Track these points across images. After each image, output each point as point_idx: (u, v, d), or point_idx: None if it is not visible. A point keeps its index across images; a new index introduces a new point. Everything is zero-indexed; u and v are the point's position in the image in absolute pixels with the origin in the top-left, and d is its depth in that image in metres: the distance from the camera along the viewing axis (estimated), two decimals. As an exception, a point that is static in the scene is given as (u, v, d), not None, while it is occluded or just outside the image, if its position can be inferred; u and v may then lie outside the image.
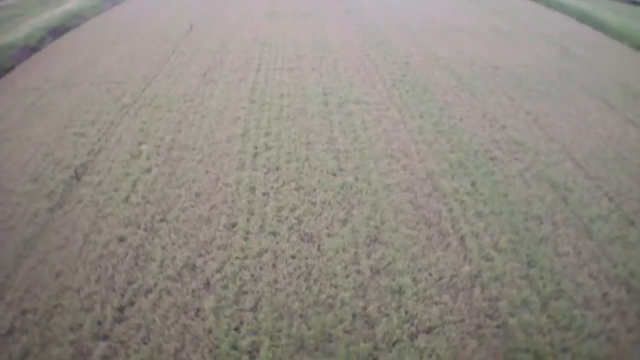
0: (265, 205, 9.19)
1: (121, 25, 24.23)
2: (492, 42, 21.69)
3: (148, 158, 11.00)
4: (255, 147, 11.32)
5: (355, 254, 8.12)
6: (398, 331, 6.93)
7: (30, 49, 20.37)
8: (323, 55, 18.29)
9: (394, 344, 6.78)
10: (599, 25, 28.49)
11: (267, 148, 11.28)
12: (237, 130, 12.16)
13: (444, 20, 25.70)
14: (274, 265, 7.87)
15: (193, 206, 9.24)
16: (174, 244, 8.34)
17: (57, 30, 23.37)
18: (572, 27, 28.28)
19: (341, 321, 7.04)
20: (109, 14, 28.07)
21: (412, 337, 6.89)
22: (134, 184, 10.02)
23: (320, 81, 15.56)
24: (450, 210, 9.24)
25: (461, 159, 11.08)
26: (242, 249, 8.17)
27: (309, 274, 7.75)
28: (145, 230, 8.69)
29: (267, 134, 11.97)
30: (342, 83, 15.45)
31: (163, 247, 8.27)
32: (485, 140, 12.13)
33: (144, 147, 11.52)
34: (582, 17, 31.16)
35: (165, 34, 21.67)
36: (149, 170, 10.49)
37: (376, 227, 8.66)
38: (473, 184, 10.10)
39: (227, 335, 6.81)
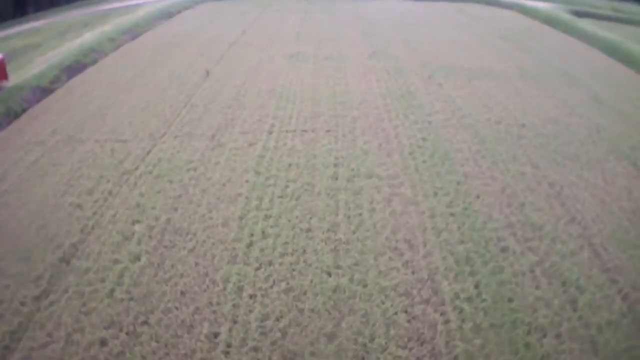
0: (250, 312, 9.18)
1: (137, 65, 24.83)
2: (519, 90, 21.57)
3: (139, 242, 11.13)
4: (252, 235, 11.34)
5: (340, 378, 8.05)
6: None
7: (42, 90, 20.99)
8: (341, 113, 18.33)
9: None
10: (629, 60, 28.10)
11: (264, 236, 11.29)
12: (236, 212, 12.21)
13: (471, 63, 25.63)
14: (253, 389, 7.86)
15: (177, 308, 9.30)
16: (154, 353, 8.39)
17: (73, 68, 24.08)
18: (601, 63, 28.02)
19: None
20: (127, 49, 28.84)
21: None
22: (121, 275, 10.13)
23: (333, 148, 15.56)
24: (447, 322, 9.10)
25: (469, 251, 10.94)
26: (222, 366, 8.17)
27: (288, 402, 7.71)
28: (127, 334, 8.78)
29: (266, 217, 11.99)
30: (357, 150, 15.42)
31: (143, 357, 8.31)
32: (500, 224, 11.98)
33: (137, 227, 11.67)
34: (611, 51, 30.77)
35: (180, 80, 22.11)
36: (138, 258, 10.60)
37: (364, 345, 8.57)
38: (477, 286, 9.95)
39: None
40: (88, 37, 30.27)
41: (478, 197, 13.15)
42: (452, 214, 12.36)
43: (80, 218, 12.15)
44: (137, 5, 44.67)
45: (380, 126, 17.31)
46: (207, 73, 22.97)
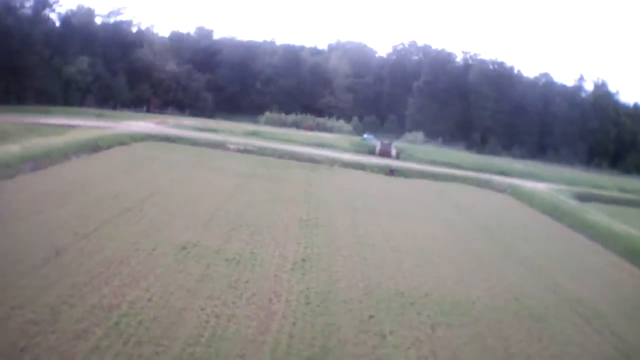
0: None
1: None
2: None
3: None
4: None
5: None
6: None
7: None
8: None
9: None
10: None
11: None
12: None
13: (424, 291, 19.75)
14: None
15: None
16: None
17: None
18: (621, 281, 24.92)
19: None
20: (14, 184, 25.88)
21: None
22: None
23: None
24: None
25: None
26: None
27: None
28: None
29: None
30: None
31: None
32: None
33: None
34: (631, 254, 27.75)
35: (20, 255, 17.38)
36: None
37: None
38: None
39: None
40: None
41: None
42: None
43: None
44: (74, 128, 43.47)
45: None
46: (57, 253, 18.12)
